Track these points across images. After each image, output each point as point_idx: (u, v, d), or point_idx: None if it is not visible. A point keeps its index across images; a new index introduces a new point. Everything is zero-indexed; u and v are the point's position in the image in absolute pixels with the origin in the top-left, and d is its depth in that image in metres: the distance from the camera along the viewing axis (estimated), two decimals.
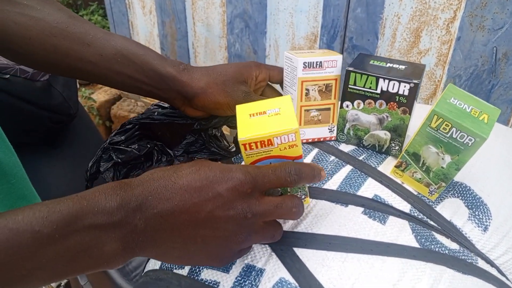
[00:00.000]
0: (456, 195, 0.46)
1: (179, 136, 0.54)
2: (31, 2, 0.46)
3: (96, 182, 0.51)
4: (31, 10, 0.46)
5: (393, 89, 0.47)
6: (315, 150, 0.52)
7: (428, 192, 0.46)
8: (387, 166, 0.49)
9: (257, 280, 0.39)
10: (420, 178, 0.46)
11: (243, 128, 0.38)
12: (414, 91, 0.46)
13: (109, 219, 0.31)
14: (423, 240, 0.41)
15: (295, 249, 0.40)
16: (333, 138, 0.54)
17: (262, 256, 0.40)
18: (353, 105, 0.50)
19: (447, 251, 0.41)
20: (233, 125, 0.54)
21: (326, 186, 0.46)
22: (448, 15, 0.97)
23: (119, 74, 0.48)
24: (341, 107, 0.51)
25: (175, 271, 0.43)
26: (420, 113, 0.51)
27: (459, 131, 0.41)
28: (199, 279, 0.41)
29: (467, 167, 0.44)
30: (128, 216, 0.32)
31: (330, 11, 1.12)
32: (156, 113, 0.54)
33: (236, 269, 0.40)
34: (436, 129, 0.42)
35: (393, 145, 0.50)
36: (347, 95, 0.50)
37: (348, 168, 0.48)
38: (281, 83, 0.55)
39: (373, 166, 0.49)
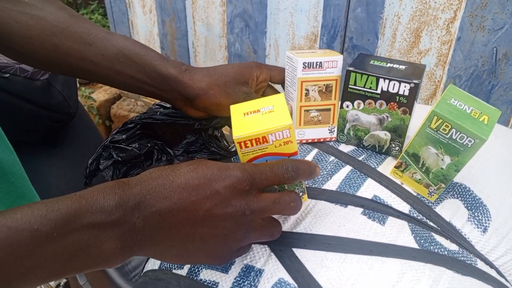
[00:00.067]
0: (455, 196, 0.46)
1: (180, 135, 0.54)
2: (32, 0, 0.46)
3: (96, 180, 0.51)
4: (32, 9, 0.46)
5: (393, 89, 0.47)
6: (315, 151, 0.52)
7: (428, 193, 0.46)
8: (387, 167, 0.49)
9: (256, 281, 0.39)
10: (419, 179, 0.46)
11: (238, 126, 0.38)
12: (414, 91, 0.46)
13: (107, 218, 0.31)
14: (422, 241, 0.41)
15: (294, 249, 0.40)
16: (333, 139, 0.54)
17: (261, 257, 0.40)
18: (353, 105, 0.50)
19: (446, 252, 0.41)
20: None
21: (325, 187, 0.46)
22: (448, 15, 0.97)
23: (121, 74, 0.48)
24: (341, 107, 0.51)
25: (174, 271, 0.43)
26: (420, 113, 0.51)
27: (458, 132, 0.41)
28: (198, 279, 0.41)
29: (466, 168, 0.44)
30: (127, 215, 0.32)
31: (330, 10, 1.12)
32: (158, 113, 0.54)
33: (235, 269, 0.40)
34: (436, 130, 0.42)
35: (393, 145, 0.50)
36: (347, 95, 0.50)
37: (347, 168, 0.48)
38: (282, 84, 0.55)
39: (373, 166, 0.49)
